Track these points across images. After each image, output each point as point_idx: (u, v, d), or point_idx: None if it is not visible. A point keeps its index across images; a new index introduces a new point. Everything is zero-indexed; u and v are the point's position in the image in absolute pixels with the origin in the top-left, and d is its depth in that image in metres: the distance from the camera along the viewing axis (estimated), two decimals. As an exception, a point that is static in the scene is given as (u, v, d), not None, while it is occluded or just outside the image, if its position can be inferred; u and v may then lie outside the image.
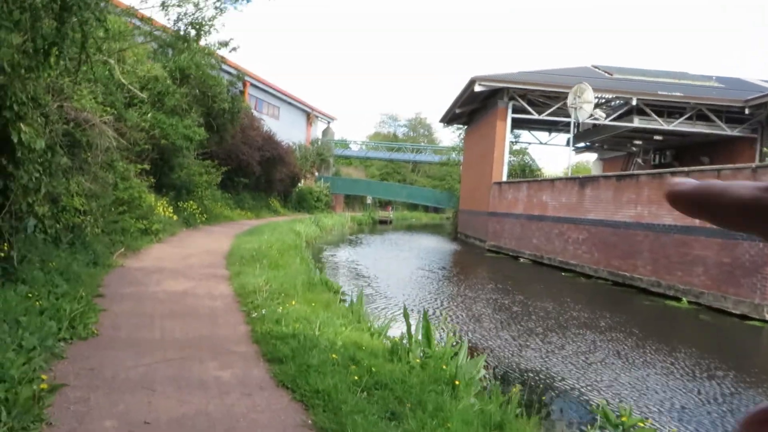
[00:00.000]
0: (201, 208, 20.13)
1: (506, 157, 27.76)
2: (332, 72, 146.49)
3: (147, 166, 13.80)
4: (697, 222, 14.42)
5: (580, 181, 19.77)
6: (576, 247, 19.59)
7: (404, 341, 5.72)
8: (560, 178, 21.29)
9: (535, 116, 28.11)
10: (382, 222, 54.04)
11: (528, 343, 8.91)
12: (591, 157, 61.38)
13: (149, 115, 14.86)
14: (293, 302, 7.26)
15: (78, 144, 9.07)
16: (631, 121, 27.60)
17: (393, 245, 30.80)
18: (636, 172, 17.18)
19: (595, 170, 46.11)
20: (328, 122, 56.66)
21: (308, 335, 5.78)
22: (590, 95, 22.34)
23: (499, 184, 27.35)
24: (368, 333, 6.33)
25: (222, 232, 18.08)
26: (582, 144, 37.82)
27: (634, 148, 37.07)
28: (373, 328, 6.57)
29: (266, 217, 31.51)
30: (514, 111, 27.67)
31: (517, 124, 30.06)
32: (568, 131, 37.52)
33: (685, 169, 16.19)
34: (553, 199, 21.56)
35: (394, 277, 15.87)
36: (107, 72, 11.44)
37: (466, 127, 40.41)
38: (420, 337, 6.01)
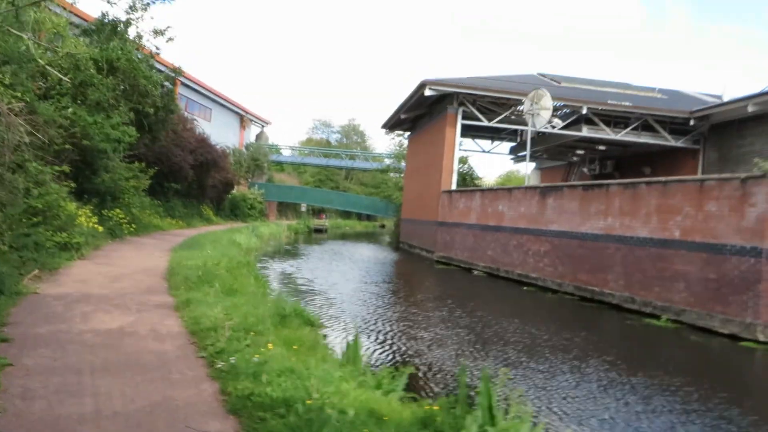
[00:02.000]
0: (128, 216, 17.87)
1: (456, 165, 26.74)
2: (264, 75, 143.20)
3: (66, 169, 11.65)
4: (676, 235, 13.69)
5: (541, 190, 18.88)
6: (537, 259, 18.65)
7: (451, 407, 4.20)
8: (519, 188, 20.39)
9: (485, 123, 27.27)
10: (318, 231, 52.31)
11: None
12: (526, 168, 61.96)
13: (69, 110, 12.70)
14: (269, 344, 5.61)
15: (-23, 138, 7.10)
16: (580, 129, 27.24)
17: (337, 257, 29.14)
18: (607, 182, 16.39)
19: (533, 180, 46.04)
20: (262, 126, 54.42)
21: (304, 399, 4.18)
22: (548, 101, 21.61)
23: (449, 192, 26.28)
24: (381, 390, 4.79)
25: (154, 245, 15.97)
26: (523, 153, 37.42)
27: (575, 158, 37.07)
28: (383, 382, 5.02)
29: (199, 226, 29.21)
30: (464, 117, 26.72)
31: (463, 131, 29.12)
32: (511, 139, 37.37)
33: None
34: (511, 209, 20.62)
35: (346, 294, 14.35)
36: (21, 48, 9.30)
37: (409, 133, 39.34)
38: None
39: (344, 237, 51.80)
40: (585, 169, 33.23)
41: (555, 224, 17.94)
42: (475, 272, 22.17)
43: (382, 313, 12.04)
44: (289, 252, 29.56)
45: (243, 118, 48.66)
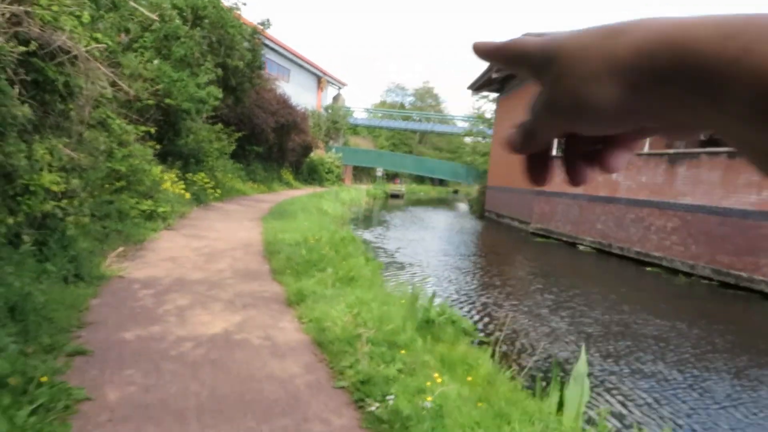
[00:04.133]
0: (212, 181, 16.74)
1: (556, 129, 24.31)
2: (337, 36, 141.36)
3: (152, 129, 10.39)
4: None
5: (670, 157, 16.43)
6: (662, 236, 16.35)
7: None
8: (639, 154, 17.97)
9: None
10: (394, 196, 50.84)
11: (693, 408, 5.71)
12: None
13: (155, 62, 11.40)
14: (435, 374, 3.99)
15: (51, 86, 5.72)
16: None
17: (422, 226, 27.51)
18: None
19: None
20: (339, 88, 52.88)
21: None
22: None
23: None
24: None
25: (241, 213, 14.74)
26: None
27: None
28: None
29: (279, 190, 28.17)
30: (566, 76, 24.16)
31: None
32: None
33: None
34: (628, 178, 18.25)
35: (444, 272, 12.79)
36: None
37: (497, 95, 36.83)
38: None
39: (422, 203, 50.19)
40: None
41: (688, 197, 15.55)
42: (581, 248, 20.03)
43: (486, 295, 10.40)
44: (374, 220, 28.15)
45: (320, 79, 47.20)
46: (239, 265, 7.71)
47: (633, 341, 8.33)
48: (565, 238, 21.47)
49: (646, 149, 20.66)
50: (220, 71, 13.05)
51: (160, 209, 10.00)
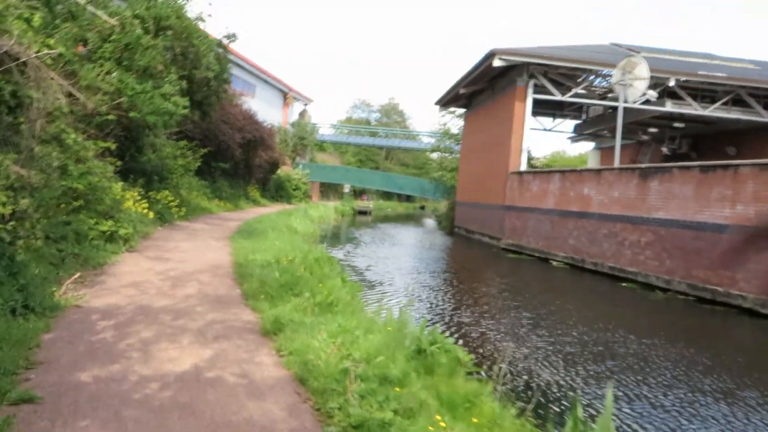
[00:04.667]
0: (177, 199, 16.07)
1: (525, 144, 24.31)
2: (300, 52, 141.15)
3: (112, 145, 9.77)
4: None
5: (641, 172, 16.40)
6: (636, 251, 16.26)
7: None
8: (611, 169, 17.93)
9: (558, 97, 24.71)
10: (362, 213, 50.45)
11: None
12: (580, 147, 58.65)
13: (114, 74, 10.79)
14: (436, 416, 3.55)
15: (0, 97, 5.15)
16: (663, 104, 24.46)
17: (393, 243, 27.13)
18: (736, 162, 13.87)
19: (593, 161, 43.17)
20: (305, 104, 52.42)
21: None
22: (644, 71, 18.97)
23: (519, 173, 23.89)
24: None
25: (208, 232, 14.11)
26: (589, 131, 34.67)
27: (644, 137, 34.18)
28: None
29: (246, 208, 27.47)
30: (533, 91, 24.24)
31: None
32: (574, 116, 34.64)
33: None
34: (600, 193, 18.20)
35: (419, 289, 12.49)
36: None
37: (464, 110, 36.85)
38: None
39: (389, 219, 49.89)
40: (664, 149, 30.34)
41: (661, 211, 15.50)
42: (554, 263, 19.88)
43: (462, 314, 10.09)
44: (343, 237, 27.65)
45: (286, 95, 46.70)
46: (208, 290, 7.15)
47: (615, 361, 8.05)
48: (537, 254, 21.32)
49: (617, 164, 20.73)
50: (185, 83, 12.48)
51: (122, 230, 9.36)
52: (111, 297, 6.29)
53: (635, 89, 19.06)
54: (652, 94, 20.26)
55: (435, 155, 59.82)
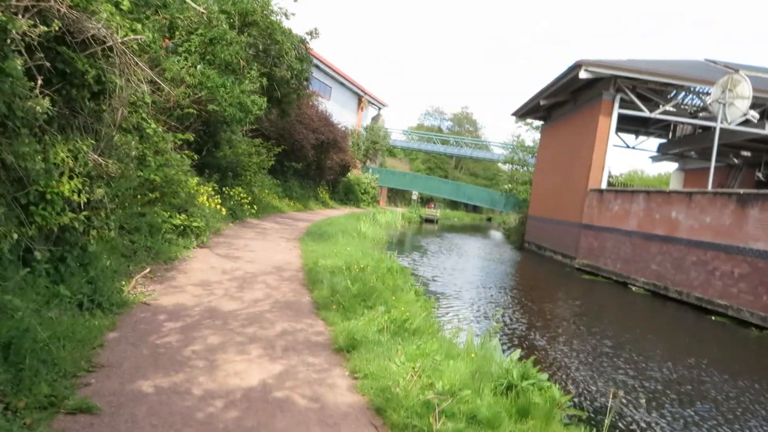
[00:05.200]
0: (249, 196, 16.03)
1: (607, 161, 23.16)
2: (375, 57, 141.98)
3: (191, 137, 9.66)
4: None
5: (740, 197, 15.14)
6: (729, 282, 15.01)
7: None
8: (704, 192, 16.71)
9: (646, 113, 23.44)
10: (428, 221, 49.83)
11: None
12: (660, 167, 56.02)
13: (198, 67, 10.72)
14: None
15: (80, 79, 4.96)
16: (763, 127, 22.76)
17: (461, 253, 26.48)
18: None
19: (676, 182, 41.09)
20: (379, 108, 52.36)
21: None
22: (747, 89, 17.62)
23: (600, 191, 22.76)
24: None
25: (278, 232, 13.93)
26: (675, 150, 32.87)
27: (736, 160, 32.14)
28: None
29: (315, 209, 27.45)
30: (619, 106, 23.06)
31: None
32: (659, 135, 32.95)
33: None
34: (690, 218, 16.97)
35: (486, 307, 11.85)
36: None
37: (542, 123, 35.74)
38: None
39: (456, 229, 49.09)
40: (760, 174, 28.37)
41: (761, 242, 14.24)
42: (633, 288, 18.71)
43: (533, 338, 9.40)
44: (410, 245, 27.21)
45: (361, 98, 46.73)
46: (277, 294, 6.81)
47: (708, 404, 7.20)
48: (614, 277, 20.17)
49: (710, 187, 19.38)
50: (265, 80, 12.34)
51: (195, 225, 9.22)
52: (179, 295, 6.03)
53: (735, 108, 17.71)
54: (754, 115, 18.81)
55: (506, 167, 58.65)
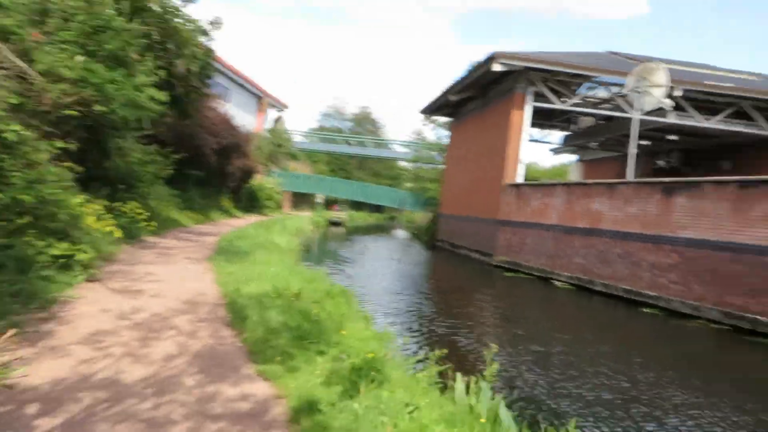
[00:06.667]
0: (146, 211, 14.04)
1: (523, 154, 22.85)
2: (274, 57, 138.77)
3: (73, 146, 7.79)
4: None
5: (665, 187, 14.97)
6: (657, 273, 14.81)
7: None
8: (627, 182, 16.52)
9: (559, 106, 23.39)
10: (335, 224, 48.62)
11: None
12: (555, 160, 57.79)
13: (78, 58, 8.82)
14: None
15: None
16: (664, 116, 23.28)
17: (375, 257, 25.52)
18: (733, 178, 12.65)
19: (575, 173, 42.30)
20: (280, 110, 50.31)
21: None
22: (663, 77, 17.63)
23: (517, 186, 22.40)
24: None
25: (183, 251, 12.12)
26: (578, 142, 33.52)
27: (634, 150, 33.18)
28: None
29: (219, 219, 25.38)
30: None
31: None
32: (562, 128, 33.46)
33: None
34: (614, 209, 16.74)
35: (413, 317, 10.96)
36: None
37: (451, 119, 35.37)
38: None
39: (363, 231, 48.18)
40: (661, 162, 29.30)
41: (688, 230, 14.09)
42: (558, 283, 18.36)
43: (465, 346, 8.59)
44: (321, 252, 25.84)
45: (261, 100, 44.53)
46: (196, 344, 5.26)
47: (677, 415, 6.53)
48: (537, 273, 19.79)
49: (630, 177, 19.39)
50: (164, 73, 10.53)
51: (80, 254, 7.40)
52: (60, 364, 4.37)
53: (651, 97, 17.71)
54: (669, 103, 18.97)
55: (409, 165, 58.40)
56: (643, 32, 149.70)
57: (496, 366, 4.36)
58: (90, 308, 6.17)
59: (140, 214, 13.33)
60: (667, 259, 14.62)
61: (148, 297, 7.05)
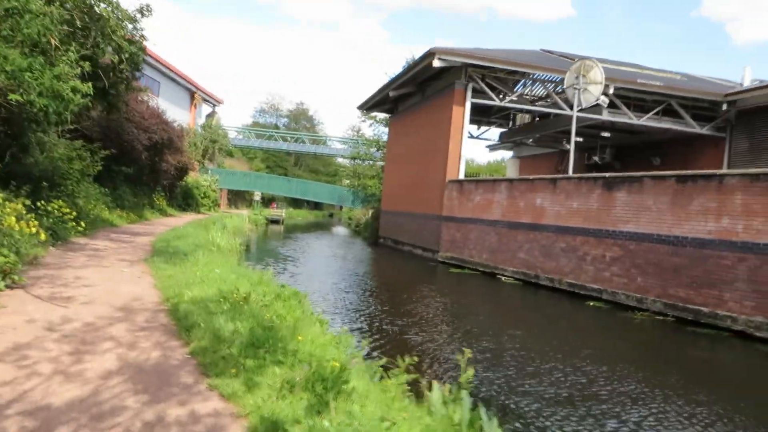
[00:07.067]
0: (74, 210, 13.07)
1: (464, 150, 22.86)
2: (206, 51, 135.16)
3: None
4: None
5: (606, 182, 15.18)
6: (601, 267, 15.02)
7: None
8: (568, 178, 16.69)
9: (497, 102, 23.51)
10: (273, 221, 47.77)
11: None
12: (491, 156, 58.62)
13: (-10, 43, 7.97)
14: None
15: None
16: (600, 113, 23.82)
17: (315, 255, 25.14)
18: (721, 172, 12.96)
19: (511, 169, 42.95)
20: (214, 105, 48.89)
21: None
22: (598, 75, 17.93)
23: (459, 182, 22.39)
24: None
25: (116, 252, 11.30)
26: (515, 138, 33.97)
27: (568, 146, 33.91)
28: None
29: (152, 219, 24.23)
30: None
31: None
32: (500, 124, 33.85)
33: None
34: (556, 204, 16.89)
35: (360, 316, 10.64)
36: None
37: (388, 116, 35.15)
38: None
39: (302, 229, 47.55)
40: (596, 158, 30.02)
41: (630, 224, 14.32)
42: (503, 278, 18.42)
43: (418, 345, 8.41)
44: (261, 251, 25.15)
45: (194, 94, 43.02)
46: (137, 356, 4.71)
47: (638, 409, 6.50)
48: (482, 268, 19.82)
49: (570, 172, 19.64)
50: (87, 65, 9.71)
51: (0, 259, 6.64)
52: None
53: (589, 94, 17.98)
54: (605, 100, 19.34)
55: (347, 162, 57.96)
56: (569, 33, 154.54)
57: (471, 372, 4.03)
58: (12, 319, 5.48)
59: (67, 213, 12.39)
60: (610, 253, 14.83)
61: (80, 304, 6.38)
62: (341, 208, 68.54)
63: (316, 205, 79.12)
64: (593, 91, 17.94)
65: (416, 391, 4.70)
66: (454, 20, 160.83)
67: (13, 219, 8.09)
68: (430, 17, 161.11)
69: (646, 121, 24.83)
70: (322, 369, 4.17)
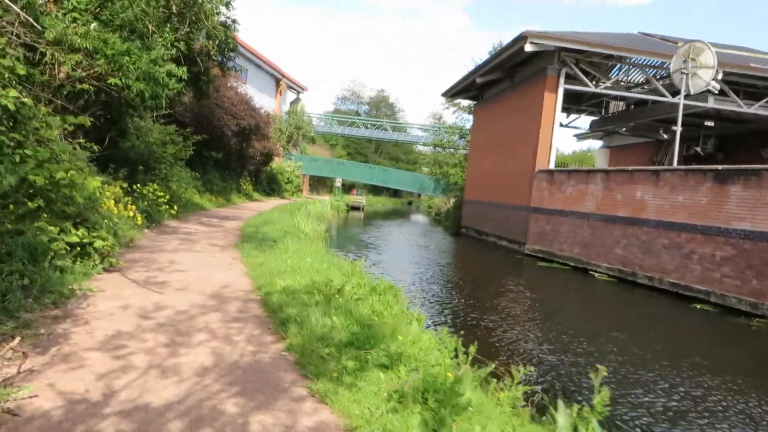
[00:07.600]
0: (167, 194, 13.31)
1: (555, 139, 21.83)
2: (291, 38, 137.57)
3: (86, 121, 7.00)
4: None
5: (718, 174, 13.95)
6: (710, 267, 13.83)
7: None
8: (674, 170, 15.48)
9: (591, 89, 22.28)
10: (354, 208, 47.91)
11: None
12: (578, 146, 56.39)
13: (92, 26, 8.02)
14: None
15: None
16: (705, 100, 22.11)
17: (397, 243, 24.82)
18: None
19: (601, 159, 40.93)
20: (298, 92, 49.42)
21: None
22: (710, 58, 16.50)
23: (550, 172, 21.40)
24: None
25: (207, 237, 11.35)
26: (608, 126, 32.25)
27: (666, 135, 31.87)
28: None
29: (239, 203, 24.68)
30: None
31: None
32: (591, 112, 32.25)
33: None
34: (659, 197, 15.72)
35: (447, 310, 10.08)
36: None
37: (473, 103, 34.27)
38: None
39: (382, 216, 47.44)
40: (697, 148, 28.05)
41: (745, 222, 13.08)
42: (596, 274, 17.42)
43: (511, 343, 7.72)
44: (343, 238, 25.09)
45: (279, 81, 43.62)
46: (232, 352, 4.45)
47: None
48: (572, 263, 18.86)
49: (675, 163, 18.33)
50: (183, 46, 9.69)
51: (98, 242, 6.64)
52: (73, 378, 3.59)
53: (699, 79, 16.58)
54: (715, 86, 17.84)
55: (428, 149, 57.34)
56: (662, 16, 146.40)
57: (607, 392, 3.49)
58: (109, 304, 5.40)
59: (161, 197, 12.60)
60: (721, 252, 13.63)
61: (173, 290, 6.27)
62: (419, 196, 68.09)
63: (395, 193, 79.06)
64: (703, 76, 16.52)
65: (531, 405, 4.21)
66: (538, 6, 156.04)
67: (112, 202, 8.16)
68: (513, 4, 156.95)
69: (757, 109, 22.87)
70: (432, 378, 3.76)
